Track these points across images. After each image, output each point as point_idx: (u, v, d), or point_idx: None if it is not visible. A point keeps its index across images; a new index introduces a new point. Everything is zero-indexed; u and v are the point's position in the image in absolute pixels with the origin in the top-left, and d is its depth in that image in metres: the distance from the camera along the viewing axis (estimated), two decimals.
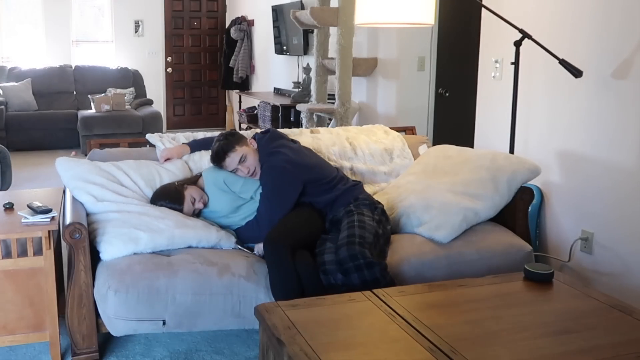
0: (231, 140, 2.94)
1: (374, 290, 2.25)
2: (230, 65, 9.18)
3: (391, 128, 3.74)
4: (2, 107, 7.63)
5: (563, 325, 2.00)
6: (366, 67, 5.54)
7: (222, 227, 2.92)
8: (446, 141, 3.65)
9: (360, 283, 2.48)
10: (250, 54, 9.02)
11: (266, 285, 2.56)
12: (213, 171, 3.01)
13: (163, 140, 3.26)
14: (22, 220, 2.53)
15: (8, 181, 4.76)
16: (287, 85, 7.60)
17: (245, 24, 9.00)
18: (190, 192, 2.92)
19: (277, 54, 7.79)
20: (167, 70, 9.64)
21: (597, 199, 3.15)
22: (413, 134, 3.89)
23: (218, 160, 2.94)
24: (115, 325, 2.50)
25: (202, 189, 2.98)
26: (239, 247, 2.83)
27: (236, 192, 2.95)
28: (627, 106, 2.96)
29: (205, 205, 2.94)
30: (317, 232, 2.80)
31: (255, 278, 2.57)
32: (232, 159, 2.91)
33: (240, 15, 9.16)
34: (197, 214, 2.96)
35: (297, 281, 2.53)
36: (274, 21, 7.66)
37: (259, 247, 2.79)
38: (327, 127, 5.03)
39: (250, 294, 2.55)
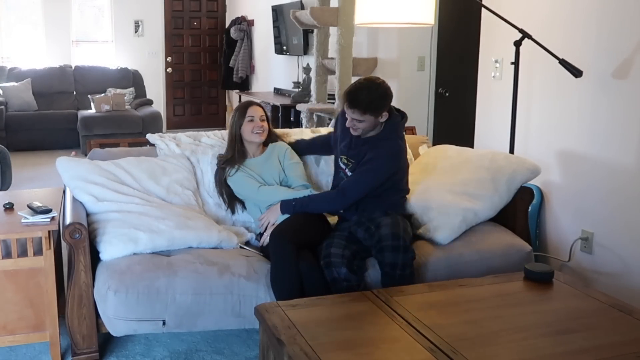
0: (372, 106, 2.72)
1: (374, 290, 2.25)
2: (230, 65, 9.18)
3: None
4: (2, 107, 7.62)
5: (563, 325, 2.00)
6: (366, 67, 5.54)
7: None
8: (446, 141, 3.65)
9: (391, 263, 2.53)
10: (250, 54, 9.02)
11: (266, 284, 2.56)
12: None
13: (164, 140, 3.25)
14: (22, 220, 2.53)
15: (8, 181, 4.76)
16: (287, 85, 7.60)
17: (245, 24, 8.99)
18: (255, 110, 3.04)
19: (277, 54, 7.79)
20: (167, 70, 9.64)
21: (597, 198, 3.15)
22: (413, 134, 3.88)
23: (348, 101, 2.73)
24: (115, 325, 2.50)
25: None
26: (242, 246, 2.83)
27: (285, 165, 3.07)
28: (627, 106, 2.96)
29: (264, 132, 3.04)
30: (323, 236, 2.79)
31: (255, 277, 2.57)
32: (354, 114, 2.73)
33: (240, 15, 9.16)
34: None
35: (299, 279, 2.53)
36: (274, 21, 7.66)
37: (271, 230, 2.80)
38: (327, 127, 5.03)
39: (250, 293, 2.55)
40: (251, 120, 3.03)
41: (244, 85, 9.15)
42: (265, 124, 3.07)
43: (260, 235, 2.90)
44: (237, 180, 3.04)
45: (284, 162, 3.10)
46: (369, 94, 2.71)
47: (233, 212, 3.11)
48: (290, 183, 3.04)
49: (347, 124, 2.80)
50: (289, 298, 2.30)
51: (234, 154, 3.06)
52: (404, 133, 2.96)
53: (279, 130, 3.43)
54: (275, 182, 3.04)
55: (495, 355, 1.80)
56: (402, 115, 2.93)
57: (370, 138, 2.83)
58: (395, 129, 2.85)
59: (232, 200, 3.09)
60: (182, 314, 2.50)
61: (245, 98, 8.86)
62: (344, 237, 2.73)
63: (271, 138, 3.19)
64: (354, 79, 5.29)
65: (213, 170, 3.16)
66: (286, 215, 2.83)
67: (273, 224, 2.81)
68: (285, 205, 2.83)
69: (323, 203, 2.85)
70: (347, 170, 2.89)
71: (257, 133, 3.03)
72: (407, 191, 3.02)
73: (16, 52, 8.91)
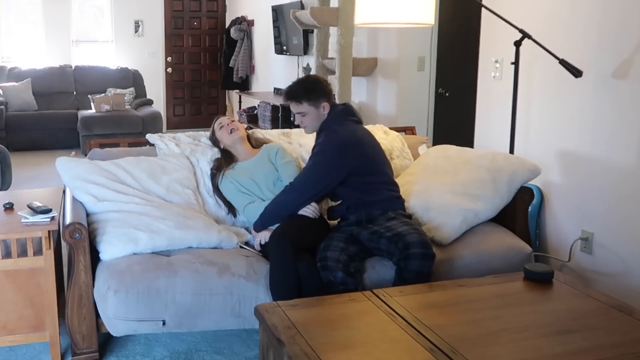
0: (307, 94, 2.88)
1: (374, 290, 2.25)
2: (230, 65, 9.18)
3: (391, 128, 3.73)
4: (2, 107, 7.62)
5: (563, 325, 2.00)
6: (366, 67, 5.54)
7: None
8: (446, 141, 3.65)
9: (417, 270, 2.51)
10: (250, 54, 9.02)
11: (266, 284, 2.56)
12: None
13: (164, 140, 3.25)
14: (22, 220, 2.53)
15: (8, 181, 4.76)
16: (287, 85, 7.58)
17: (245, 24, 9.00)
18: (220, 120, 3.20)
19: (277, 54, 7.79)
20: (167, 70, 9.64)
21: (597, 199, 3.15)
22: (413, 134, 3.88)
23: (284, 96, 3.01)
24: (115, 325, 2.50)
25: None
26: (242, 245, 2.83)
27: (277, 165, 3.10)
28: (627, 106, 2.96)
29: (236, 129, 3.13)
30: (323, 237, 2.77)
31: (255, 278, 2.57)
32: (293, 107, 2.92)
33: (240, 15, 9.16)
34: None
35: (297, 281, 2.53)
36: (274, 21, 7.66)
37: (262, 235, 2.80)
38: None
39: (250, 293, 2.55)
40: (221, 127, 3.16)
41: (244, 85, 9.15)
42: (236, 122, 3.20)
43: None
44: (228, 193, 3.07)
45: (277, 162, 3.11)
46: (301, 84, 2.95)
47: (235, 215, 3.12)
48: (285, 183, 3.04)
49: (296, 121, 2.97)
50: (287, 300, 2.30)
51: (221, 161, 3.15)
52: (354, 119, 2.95)
53: (274, 131, 3.47)
54: (268, 184, 3.02)
55: (495, 355, 1.80)
56: (345, 104, 3.02)
57: (318, 135, 2.93)
58: (335, 117, 2.90)
59: (230, 205, 3.11)
60: (182, 314, 2.50)
61: (245, 98, 8.88)
62: (344, 238, 2.72)
63: (258, 142, 3.26)
64: (354, 79, 5.32)
65: None
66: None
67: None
68: (256, 226, 2.87)
69: (281, 204, 2.82)
70: None
71: (231, 131, 3.13)
72: (394, 184, 2.95)
73: (16, 52, 8.91)
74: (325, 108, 2.89)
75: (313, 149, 2.92)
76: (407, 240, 2.56)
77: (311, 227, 2.80)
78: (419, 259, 2.51)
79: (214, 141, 3.22)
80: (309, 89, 2.89)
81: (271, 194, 2.98)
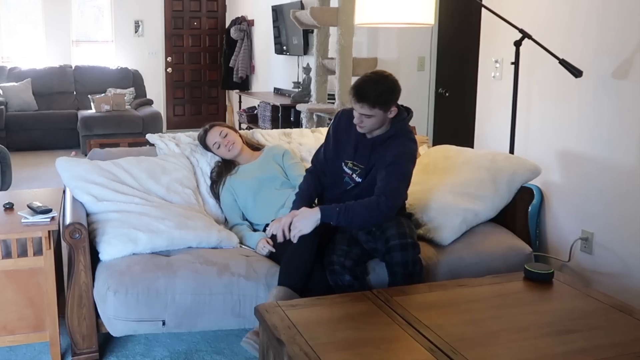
0: (382, 98, 2.57)
1: (374, 290, 2.25)
2: (230, 65, 9.18)
3: None
4: (2, 107, 7.63)
5: (563, 325, 2.00)
6: (366, 67, 5.52)
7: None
8: (446, 141, 3.65)
9: (401, 262, 2.46)
10: (250, 54, 9.02)
11: (266, 284, 2.56)
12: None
13: (164, 140, 3.25)
14: (22, 220, 2.53)
15: (8, 181, 4.76)
16: (287, 85, 7.60)
17: (245, 24, 8.99)
18: (212, 136, 3.11)
19: (277, 54, 7.79)
20: (167, 70, 9.64)
21: (597, 199, 3.15)
22: (413, 134, 3.88)
23: (355, 96, 2.57)
24: (114, 325, 2.50)
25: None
26: (242, 245, 2.84)
27: (285, 166, 3.09)
28: (627, 106, 2.96)
29: (232, 144, 3.08)
30: (329, 238, 2.72)
31: (255, 277, 2.57)
32: (363, 109, 2.56)
33: (240, 15, 9.16)
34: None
35: (310, 268, 2.52)
36: (274, 21, 7.66)
37: (262, 243, 2.78)
38: (327, 126, 5.03)
39: (250, 293, 2.55)
40: (218, 147, 3.12)
41: (244, 85, 9.15)
42: (230, 135, 3.12)
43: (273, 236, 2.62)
44: (224, 205, 3.07)
45: (284, 163, 3.11)
46: (377, 87, 2.57)
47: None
48: (294, 183, 3.04)
49: (355, 120, 2.62)
50: (295, 284, 2.28)
51: (222, 168, 3.14)
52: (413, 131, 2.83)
53: (274, 132, 3.46)
54: (274, 184, 3.03)
55: (495, 355, 1.80)
56: (408, 112, 2.79)
57: (377, 139, 2.67)
58: (404, 127, 2.70)
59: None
60: (182, 314, 2.50)
61: (245, 98, 8.88)
62: (346, 240, 2.67)
63: (256, 144, 3.26)
64: (354, 79, 5.30)
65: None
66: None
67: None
68: (327, 212, 2.49)
69: (364, 213, 2.51)
70: (354, 175, 2.72)
71: (230, 149, 3.10)
72: (406, 196, 2.89)
73: (16, 52, 8.91)
74: (392, 112, 2.63)
75: (371, 154, 2.67)
76: (386, 235, 2.52)
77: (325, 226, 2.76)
78: (398, 249, 2.46)
79: (208, 149, 3.20)
80: (385, 93, 2.58)
81: (276, 192, 2.98)
